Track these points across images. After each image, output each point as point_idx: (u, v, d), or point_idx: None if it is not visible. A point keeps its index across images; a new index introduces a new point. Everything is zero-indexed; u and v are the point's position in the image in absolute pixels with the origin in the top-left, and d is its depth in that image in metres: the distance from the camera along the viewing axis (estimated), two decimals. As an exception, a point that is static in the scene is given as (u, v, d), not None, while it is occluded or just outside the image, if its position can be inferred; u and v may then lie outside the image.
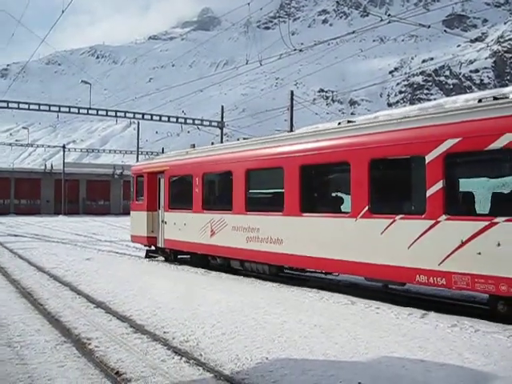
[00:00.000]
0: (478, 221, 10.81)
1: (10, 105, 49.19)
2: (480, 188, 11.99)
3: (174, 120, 55.53)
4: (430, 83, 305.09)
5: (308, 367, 7.83)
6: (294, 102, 42.27)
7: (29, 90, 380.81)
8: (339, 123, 15.38)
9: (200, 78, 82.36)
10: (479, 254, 10.65)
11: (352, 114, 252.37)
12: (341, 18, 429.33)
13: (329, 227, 14.35)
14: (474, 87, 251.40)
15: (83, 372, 7.81)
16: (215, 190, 21.24)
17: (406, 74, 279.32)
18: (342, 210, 14.47)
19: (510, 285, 10.12)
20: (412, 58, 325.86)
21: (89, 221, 66.87)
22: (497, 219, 10.40)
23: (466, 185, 12.28)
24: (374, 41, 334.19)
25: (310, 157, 15.16)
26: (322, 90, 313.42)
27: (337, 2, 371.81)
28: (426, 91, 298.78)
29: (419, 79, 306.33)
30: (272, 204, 17.26)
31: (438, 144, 11.59)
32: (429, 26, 27.80)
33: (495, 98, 11.18)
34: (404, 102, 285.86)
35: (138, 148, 69.34)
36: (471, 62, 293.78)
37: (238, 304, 12.45)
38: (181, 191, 22.11)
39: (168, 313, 11.62)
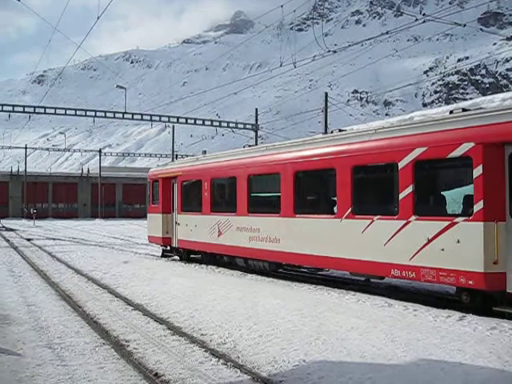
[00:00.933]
0: (441, 221, 12.20)
1: (47, 110, 49.93)
2: (443, 191, 13.56)
3: (209, 123, 55.79)
4: (466, 82, 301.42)
5: (345, 370, 7.80)
6: (328, 103, 42.13)
7: (65, 95, 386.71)
8: (331, 131, 17.50)
9: (234, 81, 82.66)
10: (442, 250, 12.05)
11: (387, 114, 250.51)
12: (374, 18, 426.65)
13: (318, 227, 15.89)
14: (510, 86, 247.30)
15: (122, 373, 7.91)
16: (222, 194, 22.56)
17: (441, 73, 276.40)
18: (330, 212, 15.79)
19: (467, 277, 11.56)
20: (447, 58, 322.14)
21: (125, 224, 67.57)
22: (457, 219, 11.87)
23: (431, 188, 13.84)
24: (408, 40, 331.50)
25: (302, 163, 16.85)
26: (356, 91, 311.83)
27: (370, 2, 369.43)
28: (461, 91, 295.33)
29: (455, 79, 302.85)
30: (271, 206, 18.62)
31: (408, 152, 12.99)
32: (464, 25, 27.48)
33: (464, 110, 12.68)
34: (439, 101, 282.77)
35: (173, 151, 69.78)
36: (507, 61, 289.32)
37: (274, 307, 12.45)
38: (192, 195, 23.68)
39: (205, 315, 11.69)
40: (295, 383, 7.36)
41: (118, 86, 61.46)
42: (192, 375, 7.74)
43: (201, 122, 55.26)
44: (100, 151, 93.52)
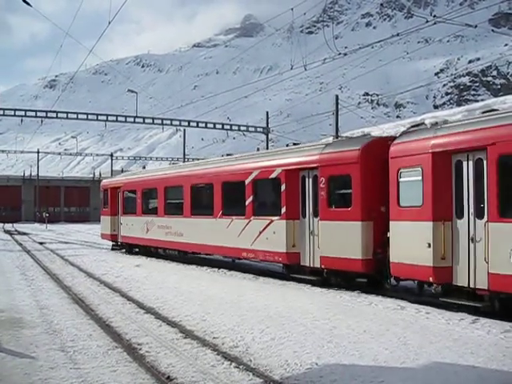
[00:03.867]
0: (266, 220, 19.08)
1: (59, 115, 50.28)
2: (267, 200, 20.48)
3: (220, 127, 55.88)
4: (477, 84, 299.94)
5: (358, 373, 7.79)
6: (339, 106, 42.10)
7: (77, 100, 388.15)
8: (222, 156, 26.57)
9: (244, 84, 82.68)
10: (267, 238, 18.92)
11: (398, 117, 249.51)
12: (384, 20, 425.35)
13: (204, 224, 23.05)
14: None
15: (135, 376, 7.93)
16: (148, 200, 29.24)
17: (452, 75, 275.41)
18: (211, 214, 22.49)
19: (278, 256, 18.42)
20: (458, 59, 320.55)
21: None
22: (273, 218, 18.70)
23: (261, 198, 20.58)
24: (418, 42, 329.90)
25: (195, 179, 24.38)
26: (366, 94, 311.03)
27: (380, 4, 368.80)
28: (473, 92, 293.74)
29: (466, 80, 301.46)
30: (178, 209, 25.51)
31: (249, 174, 20.28)
32: (475, 26, 27.33)
33: (295, 144, 20.63)
34: (451, 103, 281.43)
35: (184, 155, 69.99)
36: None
37: (286, 310, 12.46)
38: (130, 201, 30.64)
39: (217, 318, 11.70)
40: (308, 386, 7.35)
41: (129, 91, 61.70)
42: (204, 378, 7.74)
43: (212, 126, 55.36)
44: (111, 155, 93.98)
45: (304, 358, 8.56)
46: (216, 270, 21.62)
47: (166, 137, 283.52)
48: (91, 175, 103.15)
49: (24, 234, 54.09)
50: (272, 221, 18.64)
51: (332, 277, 16.62)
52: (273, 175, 18.93)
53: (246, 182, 20.19)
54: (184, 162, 62.61)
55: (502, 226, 11.46)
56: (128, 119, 52.80)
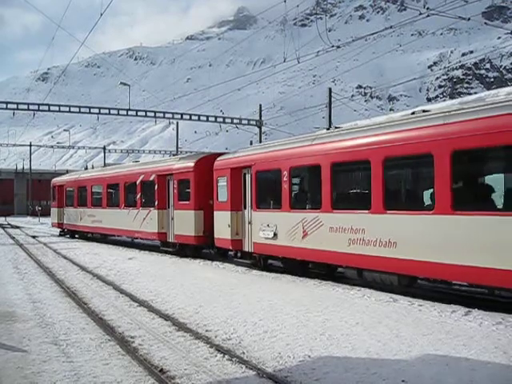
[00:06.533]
0: (147, 210, 26.51)
1: (52, 108, 49.87)
2: (148, 195, 26.80)
3: (213, 119, 55.61)
4: (471, 77, 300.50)
5: (350, 365, 7.80)
6: (332, 98, 41.99)
7: (69, 92, 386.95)
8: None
9: (237, 77, 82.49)
10: (148, 223, 26.41)
11: (391, 109, 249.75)
12: (378, 13, 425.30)
13: (114, 213, 30.56)
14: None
15: (128, 369, 7.93)
16: (84, 196, 35.31)
17: (445, 68, 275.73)
18: (117, 205, 30.20)
19: (154, 235, 25.96)
20: (451, 52, 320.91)
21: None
22: (151, 208, 26.12)
23: (146, 194, 27.25)
24: (412, 35, 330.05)
25: (111, 179, 31.76)
26: (360, 87, 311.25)
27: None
28: (466, 85, 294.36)
29: (459, 73, 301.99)
30: (100, 202, 32.94)
31: (139, 177, 27.60)
32: (468, 19, 27.31)
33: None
34: (444, 96, 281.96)
35: (177, 148, 69.80)
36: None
37: (279, 302, 12.46)
38: (69, 196, 38.09)
39: (210, 311, 11.70)
40: (300, 378, 7.36)
41: (121, 83, 61.29)
42: (197, 371, 7.75)
43: (205, 119, 55.07)
44: (104, 148, 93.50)
45: (297, 351, 8.57)
46: (209, 262, 21.61)
47: (159, 130, 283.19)
48: (84, 168, 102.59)
49: (16, 227, 53.95)
50: (150, 210, 26.28)
51: (183, 248, 24.25)
52: (151, 178, 26.48)
53: (137, 182, 27.89)
54: (176, 154, 62.97)
55: (257, 213, 19.09)
56: (121, 112, 52.44)
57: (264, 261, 19.20)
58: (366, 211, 13.92)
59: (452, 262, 11.56)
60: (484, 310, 11.17)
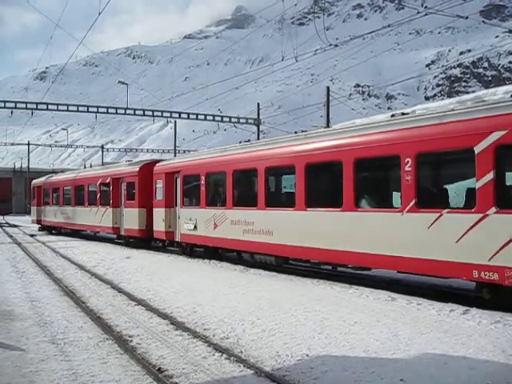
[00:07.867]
0: (105, 208, 31.13)
1: (50, 107, 49.98)
2: (105, 195, 31.83)
3: (211, 118, 55.59)
4: (468, 75, 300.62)
5: (349, 364, 7.79)
6: (330, 97, 41.97)
7: (67, 91, 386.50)
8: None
9: (235, 75, 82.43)
10: (105, 219, 30.78)
11: (389, 108, 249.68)
12: (376, 11, 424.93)
13: (81, 211, 35.37)
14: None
15: (126, 369, 7.91)
16: (57, 196, 40.84)
17: (443, 66, 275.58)
18: (83, 204, 35.03)
19: (109, 229, 31.16)
20: (449, 51, 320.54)
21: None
22: (107, 207, 30.79)
23: (103, 194, 31.77)
24: (410, 34, 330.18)
25: (81, 181, 36.41)
26: (358, 85, 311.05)
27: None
28: (464, 84, 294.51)
29: (457, 72, 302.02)
30: (69, 201, 37.82)
31: (98, 179, 32.58)
32: (466, 17, 27.29)
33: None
34: (442, 95, 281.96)
35: (175, 147, 69.73)
36: (510, 53, 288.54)
37: (277, 301, 12.45)
38: (44, 196, 44.37)
39: (208, 310, 11.69)
40: (298, 377, 7.36)
41: (119, 82, 61.19)
42: (195, 370, 7.74)
43: (203, 117, 55.08)
44: (102, 147, 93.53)
45: (295, 350, 8.56)
46: (207, 261, 21.61)
47: (157, 128, 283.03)
48: (82, 167, 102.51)
49: (15, 226, 53.91)
50: (107, 208, 30.87)
51: (131, 241, 28.91)
52: (107, 180, 31.00)
53: (97, 184, 32.71)
54: (175, 154, 62.85)
55: (183, 210, 23.62)
56: (119, 111, 52.49)
57: (190, 249, 23.74)
58: (255, 208, 18.28)
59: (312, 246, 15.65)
60: (482, 308, 11.16)
